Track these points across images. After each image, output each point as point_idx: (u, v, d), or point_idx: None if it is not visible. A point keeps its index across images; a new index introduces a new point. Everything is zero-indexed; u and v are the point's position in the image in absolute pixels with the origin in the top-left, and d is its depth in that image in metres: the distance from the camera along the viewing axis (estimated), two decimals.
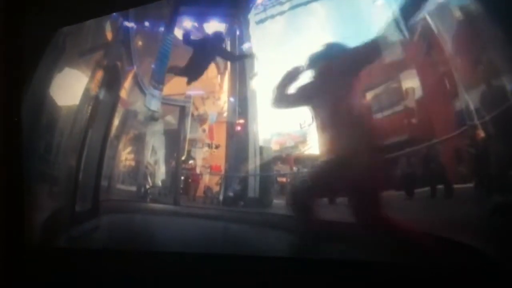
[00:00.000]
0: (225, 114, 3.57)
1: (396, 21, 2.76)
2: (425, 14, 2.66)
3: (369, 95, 2.95)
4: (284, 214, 3.02)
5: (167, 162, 3.63)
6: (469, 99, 2.44)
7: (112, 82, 3.61)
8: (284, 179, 3.21)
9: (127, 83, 3.65)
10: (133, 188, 3.58)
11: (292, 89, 2.81)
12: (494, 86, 2.37)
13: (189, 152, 3.59)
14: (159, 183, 3.62)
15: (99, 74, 3.63)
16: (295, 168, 3.18)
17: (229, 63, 3.59)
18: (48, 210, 3.49)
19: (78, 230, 3.42)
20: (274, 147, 3.21)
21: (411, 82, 2.71)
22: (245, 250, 2.93)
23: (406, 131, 2.76)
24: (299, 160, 3.19)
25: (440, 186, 2.52)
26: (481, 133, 2.40)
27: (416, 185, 2.60)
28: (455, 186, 2.48)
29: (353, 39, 2.90)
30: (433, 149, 2.61)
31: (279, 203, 3.13)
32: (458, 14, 2.62)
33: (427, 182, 2.58)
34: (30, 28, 3.48)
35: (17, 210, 3.39)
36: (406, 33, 2.72)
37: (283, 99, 2.82)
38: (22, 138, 3.48)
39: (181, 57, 3.64)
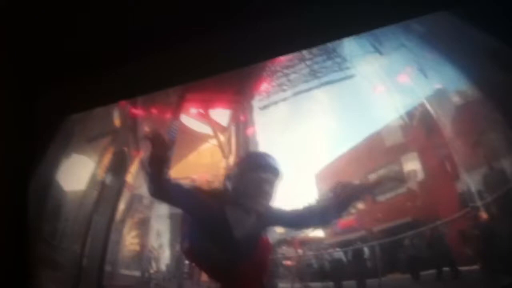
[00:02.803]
0: None
1: (395, 107, 2.87)
2: (423, 99, 2.76)
3: (371, 178, 3.01)
4: None
5: (171, 246, 3.61)
6: (470, 181, 2.50)
7: (118, 167, 3.66)
8: (289, 262, 3.20)
9: (134, 168, 3.70)
10: (137, 273, 3.54)
11: None
12: (495, 168, 2.44)
13: None
14: (163, 267, 3.59)
15: (106, 160, 3.69)
16: (300, 251, 3.18)
17: (234, 147, 3.66)
18: None
19: None
20: (279, 230, 3.21)
21: (412, 165, 2.77)
22: None
23: (409, 213, 2.79)
24: (304, 243, 3.19)
25: (445, 268, 2.52)
26: (484, 215, 2.44)
27: (421, 267, 2.61)
28: (461, 268, 2.48)
29: (354, 125, 3.01)
30: (437, 231, 2.63)
31: (284, 287, 3.10)
32: (456, 99, 2.73)
33: (432, 264, 2.58)
34: (40, 115, 3.58)
35: None
36: (406, 118, 2.81)
37: None
38: (27, 223, 3.49)
39: (187, 143, 3.72)
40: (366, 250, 2.87)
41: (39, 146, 3.54)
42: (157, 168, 2.24)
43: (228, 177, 2.40)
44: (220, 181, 3.42)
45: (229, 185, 2.35)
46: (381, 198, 2.97)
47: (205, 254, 2.38)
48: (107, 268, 3.52)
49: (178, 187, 2.39)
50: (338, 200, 2.31)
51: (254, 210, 2.24)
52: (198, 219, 2.39)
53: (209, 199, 2.34)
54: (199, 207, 2.34)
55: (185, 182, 3.56)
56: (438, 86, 2.78)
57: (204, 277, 3.41)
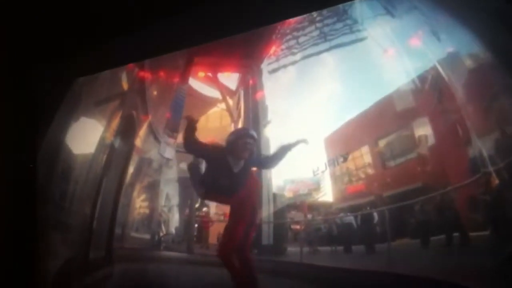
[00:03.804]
0: None
1: (406, 70, 2.81)
2: (435, 63, 2.70)
3: (381, 143, 2.98)
4: (298, 262, 3.01)
5: (180, 209, 3.62)
6: (482, 147, 2.46)
7: (127, 130, 3.65)
8: (298, 227, 3.21)
9: (142, 132, 3.69)
10: (147, 236, 3.57)
11: None
12: (507, 133, 2.39)
13: (203, 200, 3.59)
14: (173, 230, 3.61)
15: (115, 123, 3.68)
16: (309, 216, 3.18)
17: (242, 112, 3.64)
18: (62, 258, 3.48)
19: (92, 278, 3.41)
20: (288, 194, 3.21)
21: (423, 130, 2.73)
22: None
23: (419, 178, 2.77)
24: (313, 207, 3.20)
25: (455, 234, 2.51)
26: (495, 180, 2.40)
27: (431, 232, 2.60)
28: (471, 234, 2.47)
29: (365, 89, 2.96)
30: (448, 196, 2.61)
31: (293, 250, 3.11)
32: (468, 62, 2.66)
33: (442, 230, 2.57)
34: (48, 78, 3.56)
35: (31, 257, 3.40)
36: (417, 82, 2.76)
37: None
38: (37, 186, 3.51)
39: (195, 107, 3.71)
40: (375, 215, 2.87)
41: (48, 109, 3.54)
42: (188, 134, 3.36)
43: (227, 140, 3.29)
44: None
45: (228, 144, 3.27)
46: (391, 163, 2.94)
47: (217, 188, 3.30)
48: (117, 230, 3.56)
49: (200, 145, 3.39)
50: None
51: (242, 157, 3.22)
52: (210, 165, 3.38)
53: (218, 151, 3.31)
54: (212, 155, 3.37)
55: None
56: (450, 49, 2.71)
57: (212, 239, 3.44)
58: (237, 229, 3.15)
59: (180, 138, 3.61)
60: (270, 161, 3.28)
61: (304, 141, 3.12)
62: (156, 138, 3.64)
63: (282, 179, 3.25)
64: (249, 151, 3.24)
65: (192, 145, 3.41)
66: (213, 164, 3.37)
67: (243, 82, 3.65)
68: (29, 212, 3.42)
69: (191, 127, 3.36)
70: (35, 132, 3.55)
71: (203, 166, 3.48)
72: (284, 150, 3.18)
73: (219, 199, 3.43)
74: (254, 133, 3.32)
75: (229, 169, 3.24)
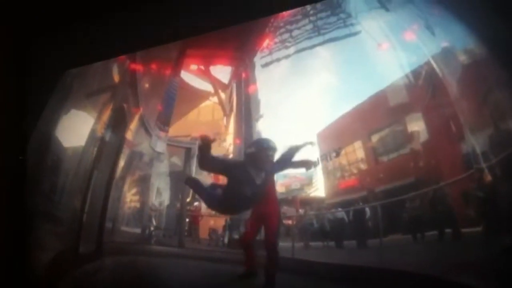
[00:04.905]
0: (230, 156, 3.57)
1: (400, 65, 2.79)
2: (429, 58, 2.68)
3: (374, 138, 2.97)
4: (290, 257, 3.00)
5: (172, 204, 3.61)
6: (475, 142, 2.45)
7: (118, 123, 3.62)
8: (290, 221, 3.19)
9: (133, 125, 3.66)
10: (138, 230, 3.56)
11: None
12: (501, 129, 2.38)
13: (194, 194, 3.57)
14: (164, 225, 3.60)
15: (106, 116, 3.65)
16: (301, 210, 3.17)
17: (235, 105, 3.63)
18: (52, 251, 3.47)
19: (82, 271, 3.39)
20: (280, 189, 3.20)
21: (416, 125, 2.72)
22: None
23: (412, 174, 2.76)
24: (305, 202, 3.18)
25: (447, 230, 2.51)
26: (488, 176, 2.39)
27: (423, 228, 2.59)
28: (463, 229, 2.47)
29: (358, 83, 2.94)
30: (440, 192, 2.60)
31: (285, 245, 3.10)
32: (462, 57, 2.65)
33: (434, 225, 2.57)
34: (38, 69, 3.53)
35: (21, 250, 3.38)
36: (411, 77, 2.74)
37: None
38: (27, 178, 3.49)
39: (187, 100, 3.68)
40: (367, 210, 2.86)
41: (38, 100, 3.52)
42: (203, 153, 3.20)
43: (246, 152, 3.28)
44: (220, 140, 3.44)
45: (248, 156, 3.20)
46: (384, 158, 2.93)
47: (240, 200, 3.19)
48: (108, 224, 3.53)
49: (218, 161, 3.34)
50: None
51: (263, 169, 3.12)
52: (232, 179, 3.26)
53: (238, 164, 3.29)
54: (233, 169, 3.26)
55: (186, 140, 3.56)
56: (445, 44, 2.69)
57: (204, 234, 3.42)
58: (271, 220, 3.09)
59: (171, 131, 3.59)
60: (281, 165, 3.22)
61: (311, 143, 3.11)
62: (147, 131, 3.62)
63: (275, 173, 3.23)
64: (271, 162, 3.18)
65: (209, 164, 3.33)
66: (235, 177, 3.26)
67: (235, 76, 3.63)
68: (19, 204, 3.40)
69: (206, 146, 3.21)
70: (25, 124, 3.52)
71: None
72: (292, 151, 3.15)
73: (244, 208, 3.33)
74: (275, 145, 3.22)
75: (252, 181, 3.17)
